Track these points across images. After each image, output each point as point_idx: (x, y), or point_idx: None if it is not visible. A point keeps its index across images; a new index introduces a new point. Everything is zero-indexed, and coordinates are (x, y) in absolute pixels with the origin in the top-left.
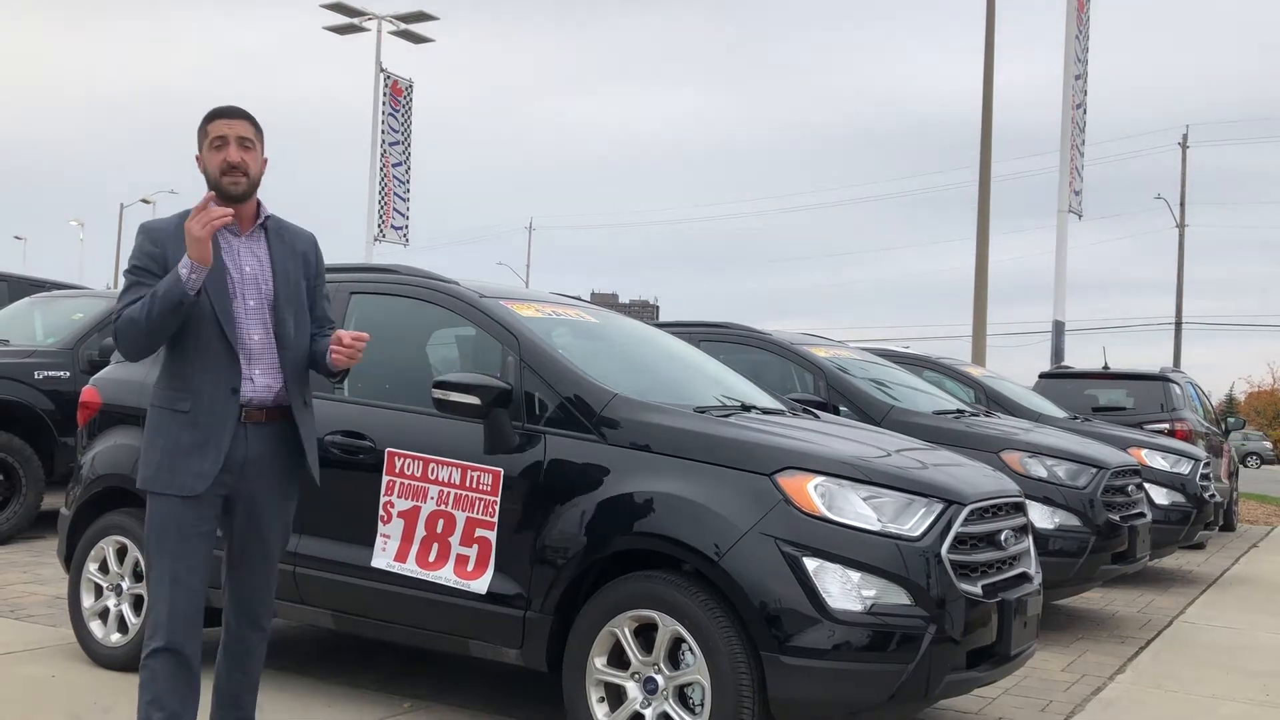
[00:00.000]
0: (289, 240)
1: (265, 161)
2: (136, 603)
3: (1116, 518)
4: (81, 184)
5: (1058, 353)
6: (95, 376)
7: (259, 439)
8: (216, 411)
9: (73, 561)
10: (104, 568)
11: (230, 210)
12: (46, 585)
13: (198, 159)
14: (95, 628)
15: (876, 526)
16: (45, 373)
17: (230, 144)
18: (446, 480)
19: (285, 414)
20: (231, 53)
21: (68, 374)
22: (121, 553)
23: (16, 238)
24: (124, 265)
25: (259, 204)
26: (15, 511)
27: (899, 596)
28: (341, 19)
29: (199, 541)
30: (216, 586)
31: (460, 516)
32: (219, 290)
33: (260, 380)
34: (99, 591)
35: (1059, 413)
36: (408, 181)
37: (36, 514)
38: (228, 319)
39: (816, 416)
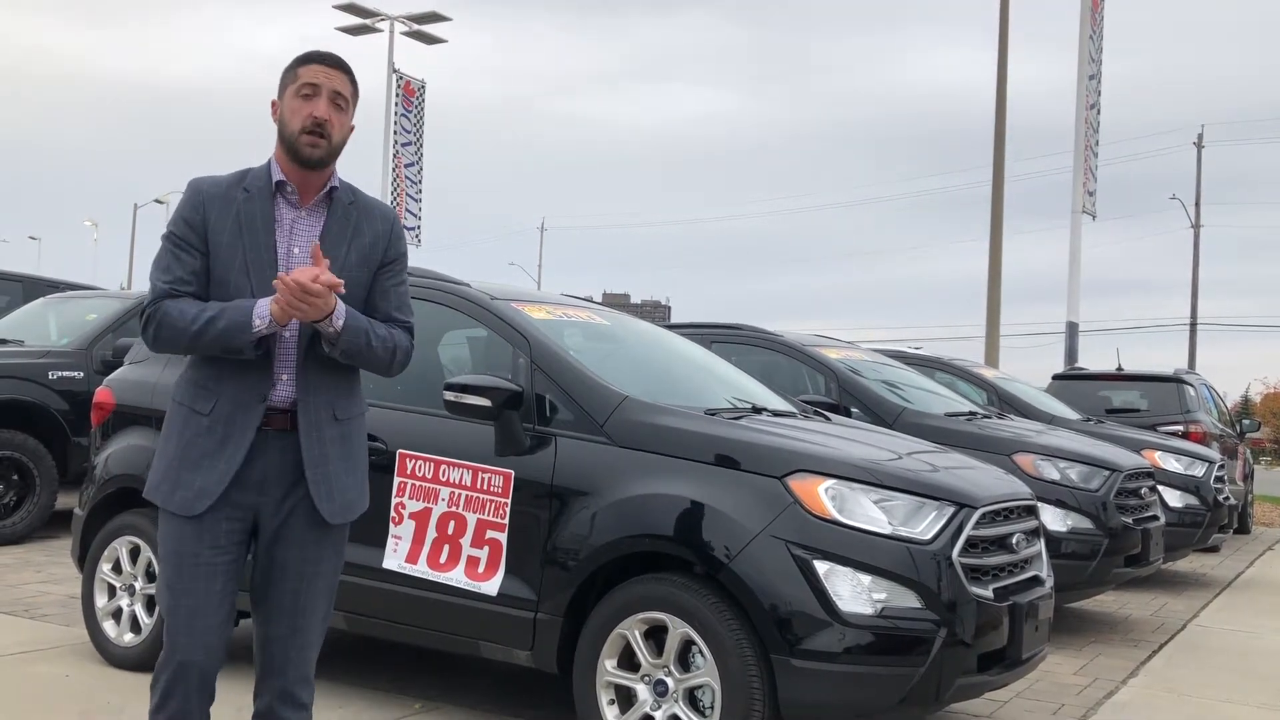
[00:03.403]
0: (357, 219)
1: (352, 129)
2: (149, 603)
3: (1129, 520)
4: (96, 184)
5: (1071, 354)
6: (109, 377)
7: (284, 450)
8: (238, 420)
9: (86, 561)
10: (117, 568)
11: (335, 286)
12: (60, 585)
13: (274, 105)
14: (108, 627)
15: (887, 529)
16: (59, 373)
17: (322, 96)
18: (457, 482)
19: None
20: (245, 53)
21: (81, 374)
22: (135, 553)
23: (31, 238)
24: (141, 261)
25: (332, 170)
26: (29, 511)
27: (910, 600)
28: (354, 20)
29: (209, 572)
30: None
31: (471, 518)
32: (263, 275)
33: (285, 385)
34: (112, 591)
35: (1072, 415)
36: (420, 182)
37: (50, 514)
38: None
39: (827, 419)
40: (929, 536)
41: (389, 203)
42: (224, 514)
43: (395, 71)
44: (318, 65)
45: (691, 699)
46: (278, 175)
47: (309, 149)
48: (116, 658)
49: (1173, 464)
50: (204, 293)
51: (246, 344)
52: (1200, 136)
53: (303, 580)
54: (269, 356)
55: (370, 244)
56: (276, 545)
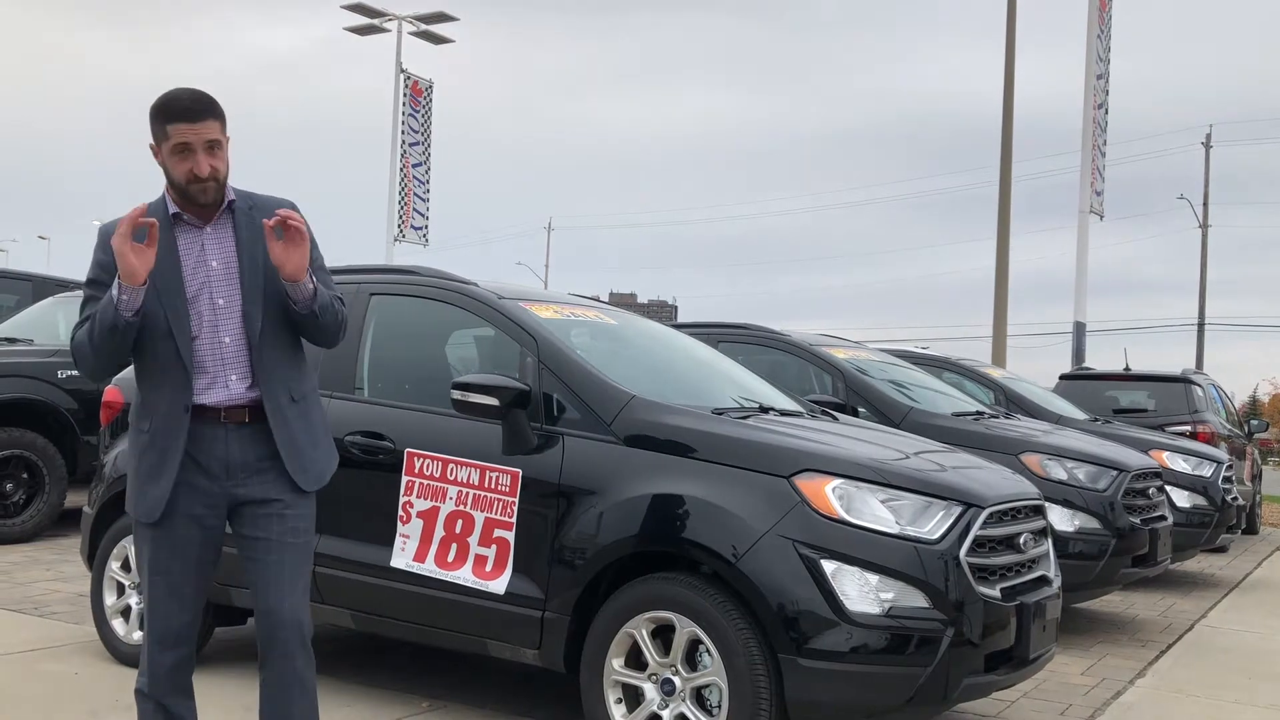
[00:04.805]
0: (260, 220)
1: (228, 141)
2: None
3: (1137, 521)
4: (105, 184)
5: (1078, 354)
6: (117, 376)
7: (243, 440)
8: (171, 433)
9: (95, 560)
10: (126, 566)
11: (142, 206)
12: (69, 583)
13: (153, 149)
14: (117, 625)
15: (894, 529)
16: (68, 372)
17: (197, 152)
18: (465, 481)
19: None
20: (253, 53)
21: None
22: None
23: (40, 237)
24: None
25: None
26: (39, 510)
27: (917, 599)
28: (362, 20)
29: (180, 567)
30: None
31: (479, 517)
32: (173, 298)
33: (236, 384)
34: (121, 589)
35: (1079, 414)
36: (427, 182)
37: (60, 512)
38: (181, 330)
39: (835, 418)
40: (936, 536)
41: (397, 202)
42: (190, 512)
43: (403, 71)
44: (184, 124)
45: (699, 698)
46: (173, 209)
47: (201, 195)
48: (125, 655)
49: (1180, 464)
50: None
51: (119, 316)
52: (1208, 136)
53: (285, 550)
54: (187, 371)
55: None
56: (257, 523)
